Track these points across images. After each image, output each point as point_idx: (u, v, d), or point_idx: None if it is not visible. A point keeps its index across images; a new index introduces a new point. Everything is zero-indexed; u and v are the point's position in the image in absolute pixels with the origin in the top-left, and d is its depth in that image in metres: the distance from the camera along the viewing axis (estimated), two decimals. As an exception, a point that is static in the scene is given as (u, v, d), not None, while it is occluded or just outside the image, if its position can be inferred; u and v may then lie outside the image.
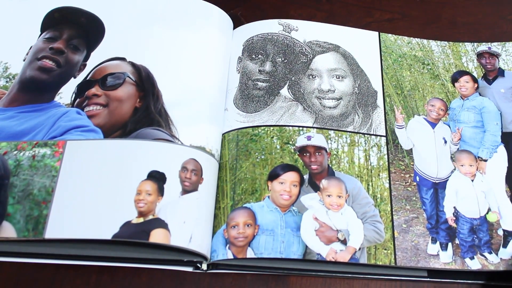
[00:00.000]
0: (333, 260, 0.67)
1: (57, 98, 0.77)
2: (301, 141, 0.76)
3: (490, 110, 0.80)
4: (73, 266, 0.67)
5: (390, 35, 0.86)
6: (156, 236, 0.64)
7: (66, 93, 0.78)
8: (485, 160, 0.76)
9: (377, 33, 0.87)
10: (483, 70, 0.85)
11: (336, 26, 0.86)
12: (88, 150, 0.70)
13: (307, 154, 0.75)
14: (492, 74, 0.84)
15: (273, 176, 0.73)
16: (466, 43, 0.87)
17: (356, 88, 0.82)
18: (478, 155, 0.76)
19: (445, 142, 0.78)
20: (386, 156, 0.76)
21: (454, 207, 0.74)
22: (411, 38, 0.87)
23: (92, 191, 0.67)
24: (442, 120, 0.80)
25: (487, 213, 0.72)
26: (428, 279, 0.68)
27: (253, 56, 0.83)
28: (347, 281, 0.69)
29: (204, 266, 0.67)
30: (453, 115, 0.80)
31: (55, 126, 0.74)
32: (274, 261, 0.67)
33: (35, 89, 0.78)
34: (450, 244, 0.70)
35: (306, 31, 0.85)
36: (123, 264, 0.67)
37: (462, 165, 0.76)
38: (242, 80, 0.81)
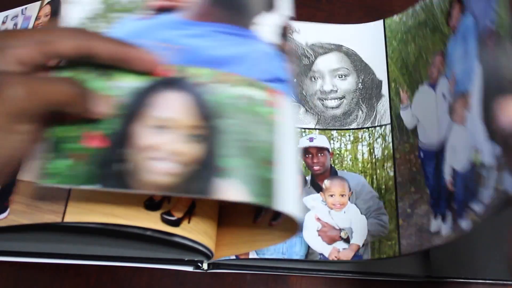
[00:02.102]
0: (335, 259, 0.64)
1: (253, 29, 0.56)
2: (303, 142, 0.75)
3: (467, 24, 0.60)
4: (73, 266, 0.65)
5: (395, 16, 0.79)
6: None
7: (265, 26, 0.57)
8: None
9: (381, 21, 0.81)
10: None
11: (338, 26, 0.84)
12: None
13: (310, 155, 0.74)
14: None
15: (276, 178, 0.74)
16: None
17: (360, 84, 0.77)
18: (466, 89, 0.58)
19: (445, 97, 0.65)
20: (391, 145, 0.70)
21: (451, 167, 0.60)
22: (416, 5, 0.75)
23: None
24: (442, 74, 0.66)
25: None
26: (428, 278, 0.61)
27: (256, 59, 0.84)
28: (347, 281, 0.64)
29: (205, 266, 0.67)
30: (449, 62, 0.65)
31: (263, 66, 0.54)
32: (276, 261, 0.67)
33: (235, 7, 0.57)
34: (450, 215, 0.58)
35: (307, 32, 0.83)
36: (123, 264, 0.66)
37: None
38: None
